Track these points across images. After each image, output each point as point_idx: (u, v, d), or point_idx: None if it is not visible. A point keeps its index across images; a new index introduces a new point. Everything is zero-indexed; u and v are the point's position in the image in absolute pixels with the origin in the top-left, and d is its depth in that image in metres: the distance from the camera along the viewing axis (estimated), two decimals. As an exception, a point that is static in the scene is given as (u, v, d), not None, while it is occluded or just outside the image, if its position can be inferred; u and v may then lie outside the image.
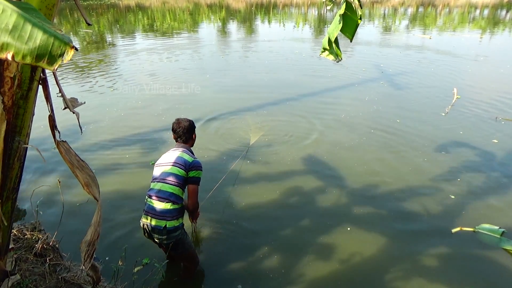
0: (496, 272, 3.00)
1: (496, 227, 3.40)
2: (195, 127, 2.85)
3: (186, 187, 2.62)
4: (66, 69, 9.39)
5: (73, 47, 1.13)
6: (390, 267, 3.03)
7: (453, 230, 3.43)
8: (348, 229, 3.47)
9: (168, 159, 2.64)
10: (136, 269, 2.82)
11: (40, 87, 1.83)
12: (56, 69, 1.14)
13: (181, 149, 2.69)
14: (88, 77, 8.77)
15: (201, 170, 2.63)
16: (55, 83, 1.96)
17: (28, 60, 1.08)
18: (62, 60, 1.11)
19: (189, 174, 2.57)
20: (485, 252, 3.18)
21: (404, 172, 4.47)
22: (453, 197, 3.95)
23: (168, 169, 2.58)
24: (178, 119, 2.80)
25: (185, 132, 2.74)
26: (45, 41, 1.09)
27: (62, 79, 8.39)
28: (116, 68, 9.74)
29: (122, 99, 7.15)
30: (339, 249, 3.22)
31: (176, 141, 2.79)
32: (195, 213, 2.84)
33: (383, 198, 3.96)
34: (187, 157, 2.62)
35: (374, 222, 3.59)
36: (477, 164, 4.65)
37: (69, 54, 1.11)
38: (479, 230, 3.39)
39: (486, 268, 3.03)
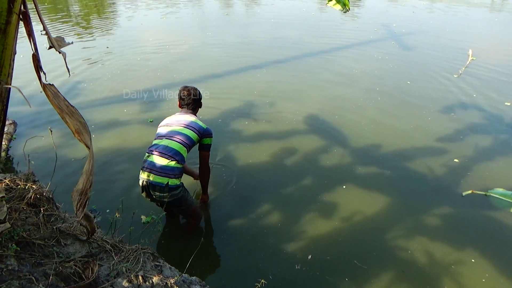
0: (505, 233, 2.91)
1: (510, 192, 3.30)
2: (202, 96, 2.81)
3: (188, 151, 2.57)
4: (64, 24, 9.01)
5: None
6: (392, 226, 2.96)
7: (464, 193, 3.32)
8: (348, 188, 3.37)
9: (178, 120, 2.61)
10: (136, 216, 2.77)
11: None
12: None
13: (192, 115, 2.70)
14: (85, 33, 8.43)
15: (212, 138, 2.69)
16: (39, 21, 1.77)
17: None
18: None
19: (204, 141, 2.64)
20: (493, 214, 3.09)
21: (411, 133, 4.30)
22: (457, 160, 3.80)
23: (178, 128, 2.55)
24: (186, 87, 2.73)
25: (195, 101, 2.73)
26: None
27: (60, 34, 8.05)
28: (114, 24, 9.35)
29: (120, 55, 6.87)
30: (340, 207, 3.14)
31: (181, 107, 2.76)
32: (208, 177, 2.86)
33: (388, 158, 3.83)
34: (201, 123, 2.64)
35: (377, 181, 3.48)
36: (487, 127, 4.48)
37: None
38: (491, 194, 3.29)
39: (493, 230, 2.94)
